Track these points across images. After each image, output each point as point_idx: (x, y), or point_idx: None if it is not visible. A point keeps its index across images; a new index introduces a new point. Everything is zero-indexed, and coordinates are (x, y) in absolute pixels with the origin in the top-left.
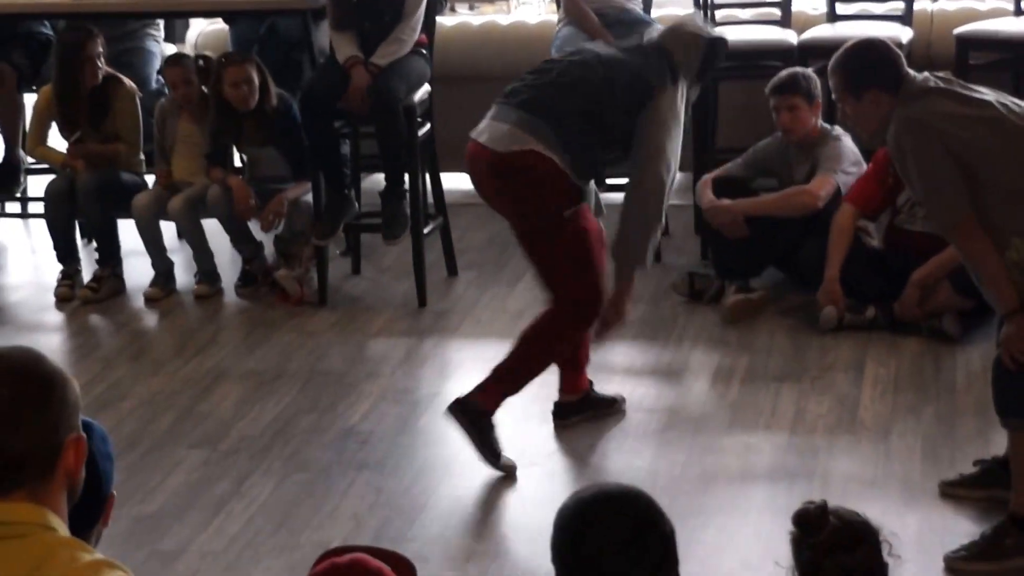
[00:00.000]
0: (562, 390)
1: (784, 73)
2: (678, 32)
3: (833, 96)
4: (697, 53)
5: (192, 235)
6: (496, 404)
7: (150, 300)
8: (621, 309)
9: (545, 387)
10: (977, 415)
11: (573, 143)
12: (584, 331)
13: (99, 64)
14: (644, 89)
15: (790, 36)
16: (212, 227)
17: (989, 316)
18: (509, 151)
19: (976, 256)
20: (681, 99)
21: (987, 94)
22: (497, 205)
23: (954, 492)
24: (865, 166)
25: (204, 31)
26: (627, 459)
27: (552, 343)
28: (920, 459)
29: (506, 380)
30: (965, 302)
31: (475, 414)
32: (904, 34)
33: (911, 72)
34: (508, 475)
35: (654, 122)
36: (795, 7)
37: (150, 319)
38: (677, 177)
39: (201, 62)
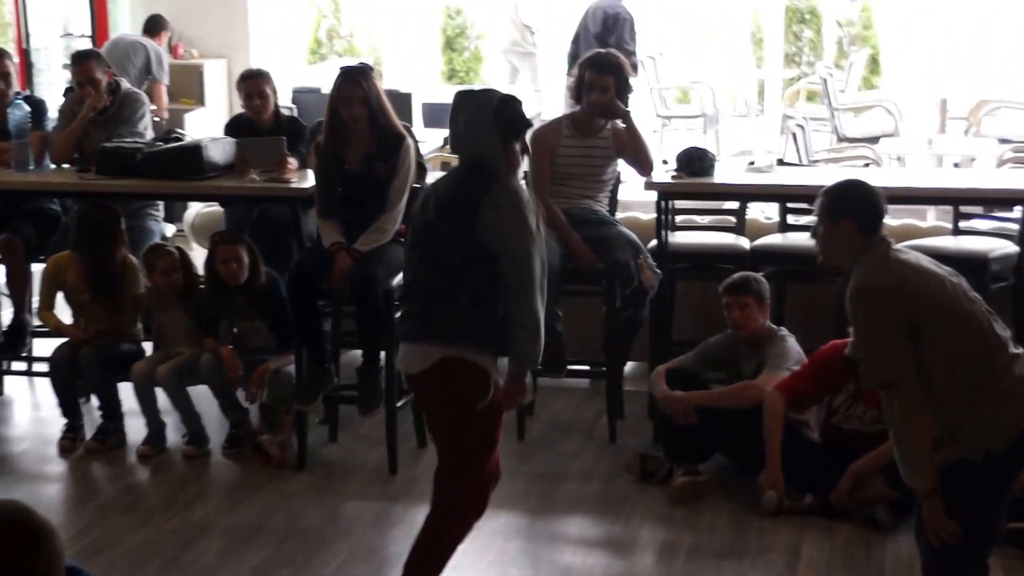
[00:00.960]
0: None
1: (737, 275)
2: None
3: (814, 215)
4: (492, 138)
5: (178, 401)
6: None
7: (142, 458)
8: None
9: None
10: None
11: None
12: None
13: (124, 242)
14: (470, 205)
15: (743, 242)
16: (202, 391)
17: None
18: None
19: (907, 423)
20: (513, 192)
21: (943, 270)
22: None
23: None
24: None
25: (201, 212)
26: None
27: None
28: None
29: (427, 568)
30: (896, 494)
31: None
32: None
33: (886, 236)
34: None
35: (500, 226)
36: (749, 215)
37: (143, 474)
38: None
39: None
